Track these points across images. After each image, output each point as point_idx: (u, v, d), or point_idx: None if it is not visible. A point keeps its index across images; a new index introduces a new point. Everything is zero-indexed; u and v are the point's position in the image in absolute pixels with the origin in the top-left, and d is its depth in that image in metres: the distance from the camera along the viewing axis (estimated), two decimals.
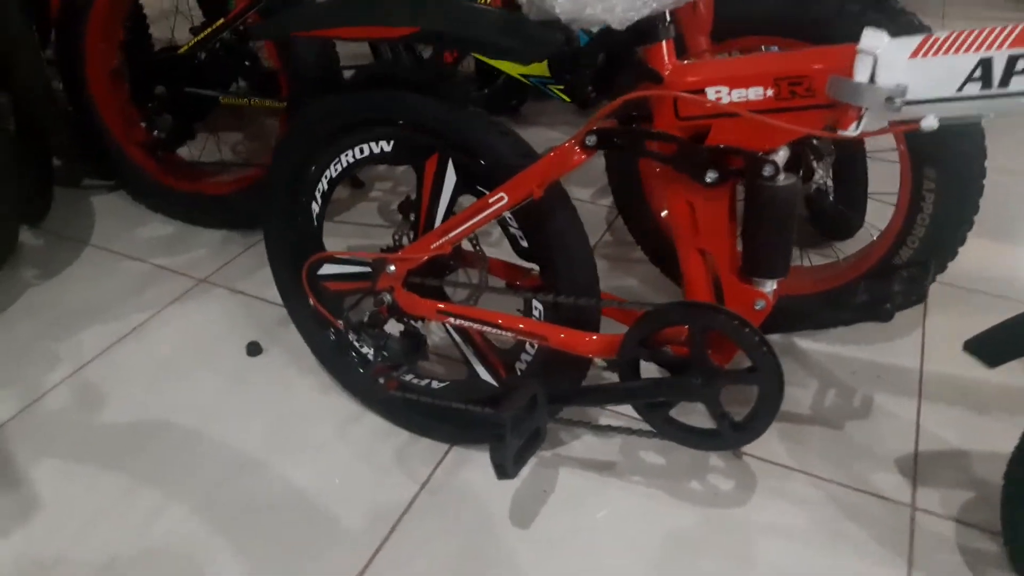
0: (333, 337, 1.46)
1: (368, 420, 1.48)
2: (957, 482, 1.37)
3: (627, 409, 1.43)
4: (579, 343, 1.18)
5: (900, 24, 1.34)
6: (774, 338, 1.69)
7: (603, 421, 1.42)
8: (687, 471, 1.39)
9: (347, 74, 1.88)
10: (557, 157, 1.08)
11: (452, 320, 1.25)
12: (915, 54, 0.86)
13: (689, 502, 1.34)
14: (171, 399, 1.53)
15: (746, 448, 1.42)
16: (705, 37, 1.48)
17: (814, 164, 1.70)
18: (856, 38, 0.87)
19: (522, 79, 2.37)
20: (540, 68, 2.42)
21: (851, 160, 1.73)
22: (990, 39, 0.82)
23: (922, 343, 1.69)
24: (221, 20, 1.78)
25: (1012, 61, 0.81)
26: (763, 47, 1.60)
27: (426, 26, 1.09)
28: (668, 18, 0.99)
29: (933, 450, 1.44)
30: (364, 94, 1.24)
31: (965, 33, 0.84)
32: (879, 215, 1.62)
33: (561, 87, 2.39)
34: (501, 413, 1.08)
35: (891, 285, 1.25)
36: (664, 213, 1.64)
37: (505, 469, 1.09)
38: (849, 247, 1.82)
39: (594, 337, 1.18)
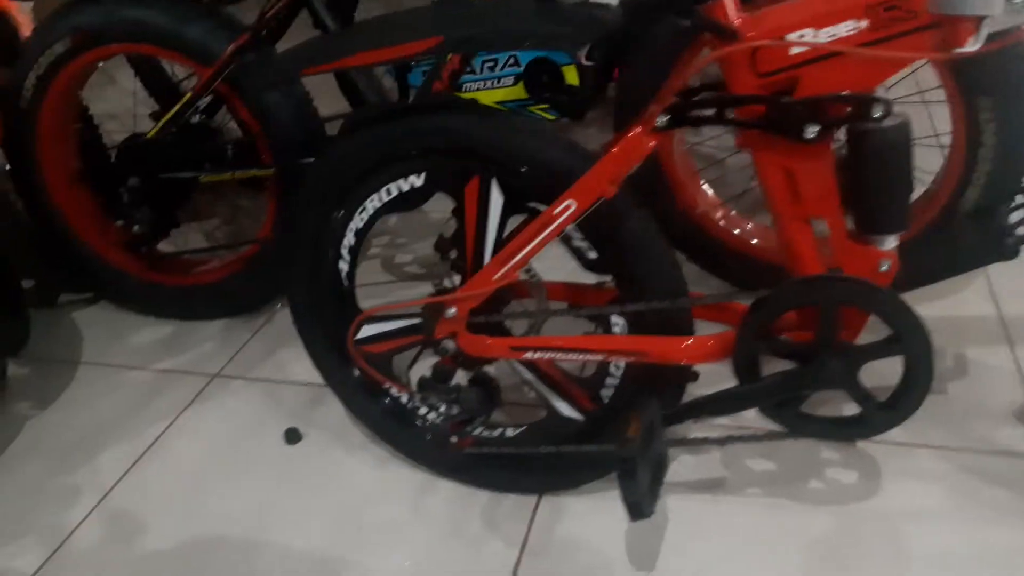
0: (388, 403, 1.31)
1: (442, 488, 1.33)
2: None
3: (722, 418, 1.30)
4: (682, 351, 1.05)
5: None
6: None
7: (696, 434, 1.29)
8: (802, 471, 1.26)
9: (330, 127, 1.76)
10: (625, 148, 0.97)
11: (531, 355, 1.11)
12: None
13: (818, 504, 1.21)
14: (215, 511, 1.35)
15: None
16: None
17: None
18: None
19: (496, 107, 2.27)
20: (516, 92, 2.34)
21: None
22: None
23: (990, 289, 1.61)
24: (188, 95, 1.65)
25: None
26: None
27: (450, 33, 0.98)
28: None
29: None
30: (384, 129, 1.11)
31: None
32: (924, 161, 1.54)
33: (543, 106, 2.31)
34: (624, 447, 0.94)
35: (998, 219, 1.15)
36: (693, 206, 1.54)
37: (640, 508, 0.95)
38: None
39: (692, 341, 1.06)
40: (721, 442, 1.07)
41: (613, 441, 1.01)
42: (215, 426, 1.55)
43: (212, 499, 1.38)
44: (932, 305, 1.57)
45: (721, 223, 1.61)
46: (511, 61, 2.20)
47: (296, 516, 1.33)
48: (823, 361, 0.97)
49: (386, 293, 1.89)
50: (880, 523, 1.16)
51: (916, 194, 1.54)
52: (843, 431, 1.02)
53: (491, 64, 2.23)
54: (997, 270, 1.62)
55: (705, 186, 1.66)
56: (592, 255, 1.09)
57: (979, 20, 0.79)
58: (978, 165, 1.33)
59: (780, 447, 1.29)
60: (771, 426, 1.08)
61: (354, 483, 1.37)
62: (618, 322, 1.12)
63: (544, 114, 2.24)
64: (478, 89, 2.28)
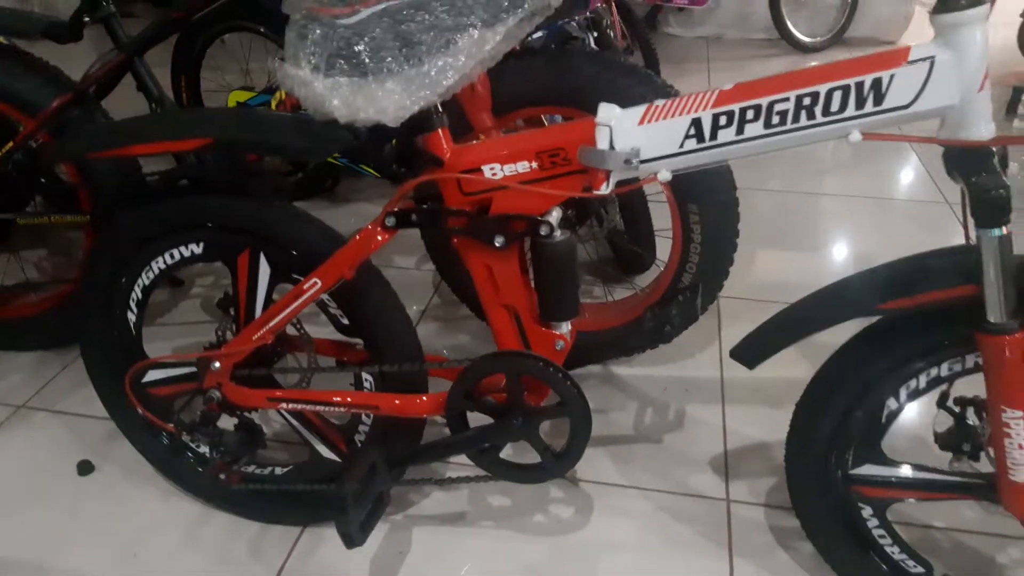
0: (167, 442, 1.45)
1: (217, 519, 1.48)
2: (762, 471, 1.56)
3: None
4: (410, 406, 1.27)
5: (648, 85, 1.55)
6: (595, 369, 1.85)
7: (450, 474, 1.51)
8: (532, 507, 1.49)
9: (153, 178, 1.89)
10: (362, 240, 1.18)
11: (285, 405, 1.29)
12: (642, 121, 1.03)
13: (538, 535, 1.44)
14: (5, 539, 1.46)
15: (582, 475, 1.55)
16: (487, 114, 1.64)
17: (603, 211, 1.90)
18: (616, 103, 1.03)
19: (334, 161, 2.46)
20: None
21: (636, 205, 1.95)
22: (697, 102, 1.01)
23: (720, 354, 1.91)
24: (10, 143, 1.75)
25: (715, 119, 1.00)
26: (543, 117, 1.80)
27: (219, 136, 1.16)
28: (439, 109, 1.12)
29: (740, 446, 1.63)
30: (168, 203, 1.28)
31: (679, 99, 1.02)
32: (667, 250, 1.83)
33: (371, 165, 2.51)
34: (340, 486, 1.14)
35: (669, 310, 1.43)
36: None
37: (352, 537, 1.15)
38: (646, 280, 2.03)
39: (423, 398, 1.27)
40: (440, 482, 1.29)
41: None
42: (15, 456, 1.65)
43: (4, 527, 1.48)
44: (669, 367, 1.86)
45: None
46: None
47: (85, 545, 1.45)
48: (510, 419, 1.21)
49: (206, 332, 2.03)
50: (583, 552, 1.41)
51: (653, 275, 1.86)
52: (530, 475, 1.25)
53: None
54: (729, 337, 1.93)
55: None
56: (345, 321, 1.30)
57: (608, 172, 1.05)
58: (690, 257, 1.63)
59: (519, 487, 1.52)
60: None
61: (139, 515, 1.51)
62: (368, 379, 1.32)
63: (372, 172, 2.44)
64: None
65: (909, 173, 2.86)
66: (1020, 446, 0.99)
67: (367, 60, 1.03)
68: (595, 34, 2.62)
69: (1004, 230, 0.91)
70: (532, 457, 1.26)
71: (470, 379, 1.20)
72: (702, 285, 1.57)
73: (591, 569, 1.38)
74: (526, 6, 1.04)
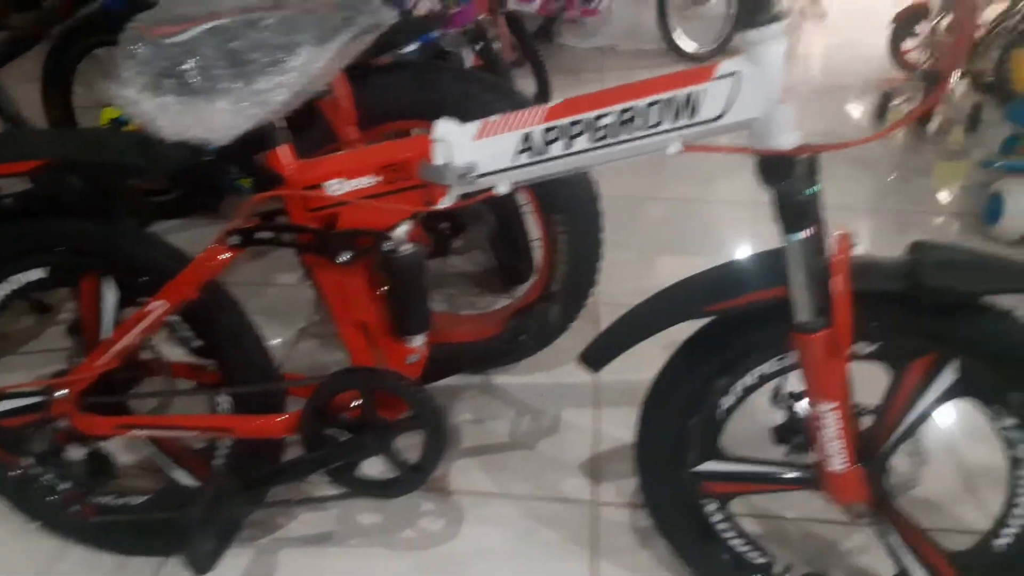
0: (17, 474, 1.39)
1: (72, 554, 1.42)
2: (630, 471, 1.60)
3: None
4: (266, 427, 1.25)
5: (514, 100, 1.58)
6: (474, 379, 1.87)
7: (316, 493, 1.49)
8: (402, 522, 1.49)
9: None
10: (205, 259, 1.16)
11: (137, 432, 1.26)
12: (478, 136, 1.05)
13: (406, 550, 1.44)
14: None
15: (455, 485, 1.56)
16: (353, 127, 1.64)
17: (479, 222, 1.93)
18: (479, 117, 1.05)
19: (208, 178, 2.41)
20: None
21: (511, 216, 1.98)
22: (527, 117, 1.04)
23: None
24: None
25: (545, 133, 1.03)
26: (411, 130, 1.81)
27: (57, 157, 1.13)
28: (279, 125, 1.11)
29: (610, 449, 1.67)
30: (6, 227, 1.23)
31: (512, 115, 1.05)
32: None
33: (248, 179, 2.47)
34: (185, 512, 1.12)
35: (524, 319, 1.46)
36: None
37: (198, 564, 1.12)
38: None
39: (279, 418, 1.26)
40: (303, 503, 1.28)
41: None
42: None
43: None
44: (546, 374, 1.89)
45: None
46: None
47: None
48: (364, 435, 1.21)
49: None
50: (450, 563, 1.41)
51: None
52: (388, 490, 1.25)
53: None
54: None
55: None
56: (198, 343, 1.27)
57: (447, 187, 1.06)
58: (558, 266, 1.67)
59: (389, 503, 1.52)
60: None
61: None
62: (223, 401, 1.30)
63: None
64: None
65: None
66: (833, 436, 1.06)
67: (196, 79, 1.02)
68: (478, 47, 2.65)
69: (806, 234, 0.97)
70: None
71: (323, 397, 1.20)
72: (561, 294, 1.61)
73: None
74: (357, 24, 1.05)
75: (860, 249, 1.04)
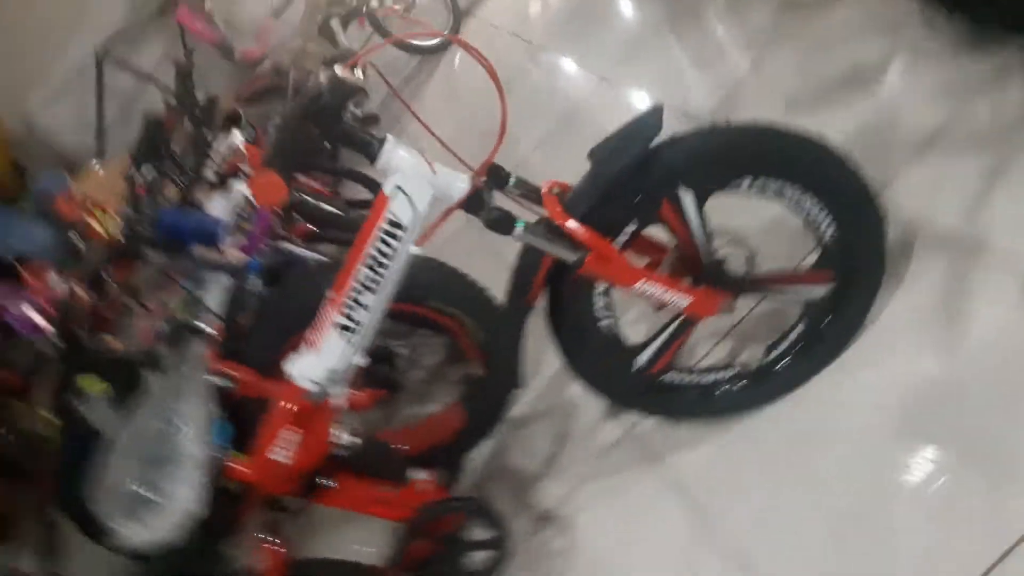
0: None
1: None
2: None
3: None
4: None
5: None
6: None
7: None
8: None
9: None
10: None
11: None
12: (314, 351, 1.38)
13: None
14: None
15: None
16: None
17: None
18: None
19: None
20: None
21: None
22: (328, 313, 1.36)
23: None
24: None
25: (348, 309, 1.35)
26: None
27: None
28: None
29: None
30: None
31: (317, 323, 1.37)
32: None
33: None
34: None
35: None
36: None
37: None
38: None
39: None
40: None
41: None
42: None
43: None
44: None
45: None
46: None
47: None
48: None
49: None
50: None
51: None
52: None
53: None
54: None
55: None
56: None
57: (332, 397, 1.40)
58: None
59: None
60: None
61: None
62: None
63: None
64: None
65: None
66: (664, 293, 1.37)
67: None
68: None
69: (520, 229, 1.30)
70: None
71: None
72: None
73: None
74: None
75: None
